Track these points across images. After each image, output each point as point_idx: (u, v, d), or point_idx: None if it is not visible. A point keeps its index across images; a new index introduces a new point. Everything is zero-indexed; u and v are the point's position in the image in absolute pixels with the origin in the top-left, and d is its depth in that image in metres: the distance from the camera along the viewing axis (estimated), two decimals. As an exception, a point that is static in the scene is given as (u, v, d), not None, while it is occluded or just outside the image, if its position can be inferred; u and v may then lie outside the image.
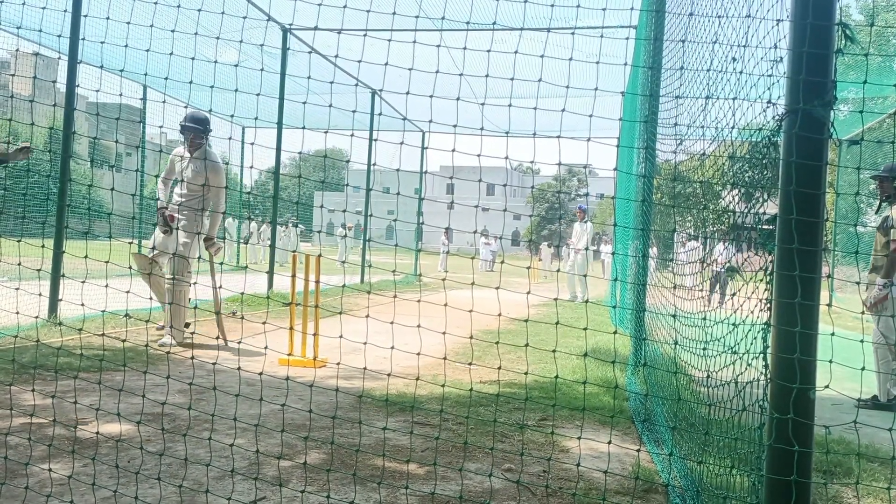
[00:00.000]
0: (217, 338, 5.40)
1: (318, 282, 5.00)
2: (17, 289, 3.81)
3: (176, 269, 6.30)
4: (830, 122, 1.77)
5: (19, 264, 3.08)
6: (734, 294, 2.26)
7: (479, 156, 2.56)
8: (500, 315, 2.83)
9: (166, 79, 3.13)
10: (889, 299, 5.37)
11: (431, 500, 3.03)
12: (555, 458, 3.72)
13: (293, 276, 6.24)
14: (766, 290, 1.92)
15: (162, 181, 6.68)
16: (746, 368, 2.08)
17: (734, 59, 2.46)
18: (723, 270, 11.11)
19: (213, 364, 3.36)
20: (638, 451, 3.48)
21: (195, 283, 3.62)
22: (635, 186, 6.87)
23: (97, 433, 3.67)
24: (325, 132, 2.89)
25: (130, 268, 3.24)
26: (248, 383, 4.74)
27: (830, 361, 1.90)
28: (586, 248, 14.27)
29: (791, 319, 1.77)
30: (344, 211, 2.93)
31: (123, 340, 3.11)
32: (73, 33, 7.00)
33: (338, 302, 10.11)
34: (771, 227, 1.88)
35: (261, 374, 3.38)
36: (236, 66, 3.46)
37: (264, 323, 3.32)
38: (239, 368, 3.13)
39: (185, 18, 3.37)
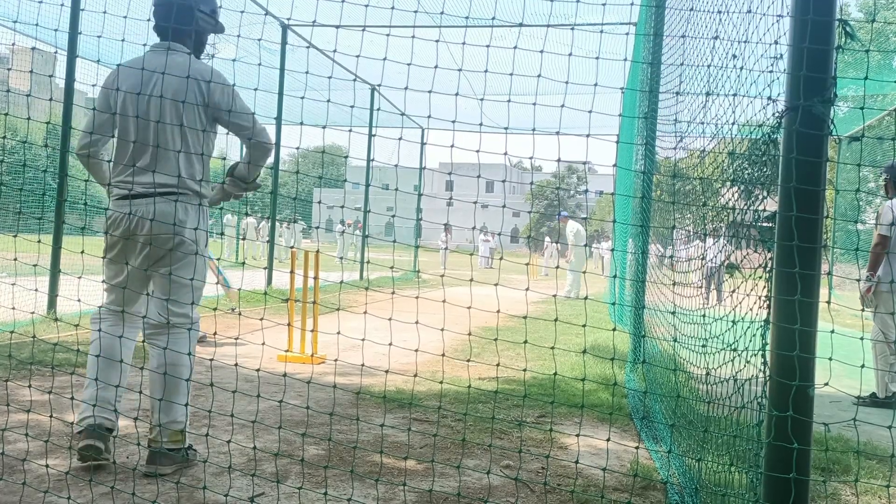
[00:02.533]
0: (214, 334, 5.40)
1: (316, 278, 5.00)
2: (13, 284, 3.80)
3: None
4: (830, 118, 1.76)
5: (15, 259, 3.07)
6: (733, 291, 2.25)
7: (478, 152, 2.55)
8: (498, 312, 2.83)
9: (164, 73, 3.11)
10: (881, 294, 5.40)
11: (429, 496, 3.02)
12: (553, 455, 3.71)
13: (292, 272, 6.24)
14: (765, 287, 1.91)
15: None
16: (745, 365, 2.08)
17: (734, 56, 2.45)
18: (721, 267, 11.11)
19: (211, 360, 3.35)
20: (637, 448, 3.47)
21: (193, 279, 3.65)
22: (634, 183, 6.86)
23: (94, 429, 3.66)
24: (324, 128, 2.88)
25: (127, 263, 3.23)
26: (246, 380, 4.73)
27: (830, 359, 1.90)
28: (585, 245, 14.29)
29: (790, 316, 1.76)
30: (342, 207, 2.92)
31: (120, 336, 3.10)
32: (71, 28, 6.99)
33: (336, 298, 10.10)
34: (770, 224, 1.88)
35: (258, 370, 3.37)
36: (234, 61, 3.44)
37: (262, 319, 3.32)
38: (237, 365, 3.12)
39: (183, 13, 3.35)
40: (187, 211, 3.19)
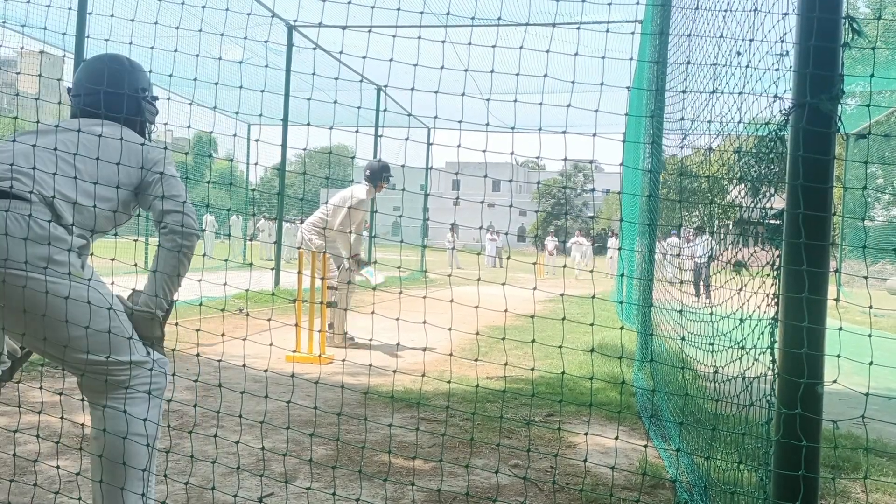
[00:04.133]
0: (222, 335, 5.42)
1: (324, 278, 5.03)
2: (23, 287, 3.82)
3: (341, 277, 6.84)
4: (838, 116, 1.76)
5: (25, 262, 3.08)
6: (740, 289, 2.25)
7: (484, 152, 2.55)
8: (506, 311, 2.83)
9: (171, 76, 3.13)
10: None
11: (438, 496, 3.03)
12: (562, 454, 3.71)
13: (299, 272, 6.25)
14: (773, 284, 1.91)
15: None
16: (754, 363, 2.08)
17: (738, 53, 2.45)
18: (703, 263, 11.24)
19: (219, 361, 3.36)
20: (645, 446, 3.47)
21: (201, 280, 3.59)
22: (641, 182, 6.85)
23: (104, 430, 3.68)
24: (331, 129, 2.89)
25: (136, 265, 3.24)
26: (255, 380, 4.74)
27: (838, 356, 1.89)
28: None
29: (799, 314, 1.76)
30: (349, 207, 2.92)
31: (129, 338, 3.11)
32: (79, 31, 7.02)
33: (344, 298, 10.10)
34: (778, 221, 1.87)
35: (266, 371, 3.38)
36: (241, 63, 3.45)
37: (269, 320, 3.32)
38: (244, 365, 3.13)
39: (189, 15, 3.37)
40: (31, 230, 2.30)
